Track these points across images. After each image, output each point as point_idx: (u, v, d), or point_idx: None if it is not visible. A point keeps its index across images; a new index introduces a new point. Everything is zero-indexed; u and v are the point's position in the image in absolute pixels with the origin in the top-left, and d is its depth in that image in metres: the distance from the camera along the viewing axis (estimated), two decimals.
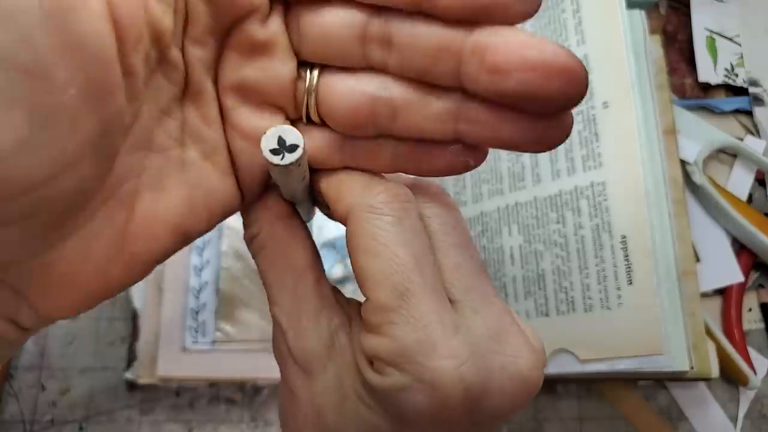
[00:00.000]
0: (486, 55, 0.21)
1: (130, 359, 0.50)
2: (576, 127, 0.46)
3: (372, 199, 0.24)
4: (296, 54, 0.24)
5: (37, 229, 0.20)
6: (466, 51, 0.22)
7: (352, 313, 0.26)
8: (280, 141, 0.22)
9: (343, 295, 0.27)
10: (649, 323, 0.42)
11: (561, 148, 0.47)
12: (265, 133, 0.22)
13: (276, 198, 0.27)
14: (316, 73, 0.25)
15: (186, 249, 0.49)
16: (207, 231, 0.26)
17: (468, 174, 0.52)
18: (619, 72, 0.46)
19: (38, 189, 0.19)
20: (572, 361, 0.44)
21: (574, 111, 0.46)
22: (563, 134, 0.23)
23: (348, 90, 0.24)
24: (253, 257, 0.27)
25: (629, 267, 0.43)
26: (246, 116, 0.25)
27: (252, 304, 0.51)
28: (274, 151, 0.22)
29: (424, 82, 0.23)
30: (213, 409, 0.52)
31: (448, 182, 0.54)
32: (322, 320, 0.26)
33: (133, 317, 0.51)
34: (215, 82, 0.25)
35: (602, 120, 0.46)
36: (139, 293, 0.51)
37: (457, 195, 0.53)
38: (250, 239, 0.27)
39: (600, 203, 0.45)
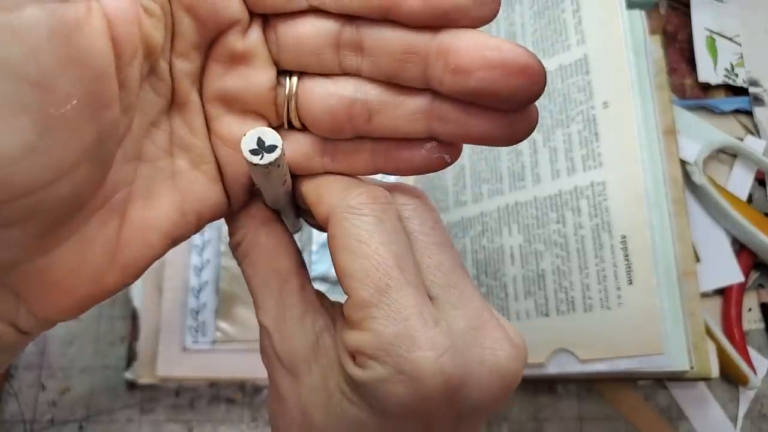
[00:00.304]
0: (449, 57, 0.23)
1: (130, 359, 0.50)
2: (576, 127, 0.46)
3: (352, 200, 0.24)
4: (276, 63, 0.26)
5: (35, 232, 0.21)
6: (432, 53, 0.23)
7: (336, 315, 0.27)
8: (260, 142, 0.23)
9: (328, 299, 0.28)
10: (648, 323, 0.42)
11: (561, 147, 0.47)
12: (244, 135, 0.23)
13: (259, 206, 0.28)
14: (294, 80, 0.26)
15: (186, 249, 0.49)
16: (194, 233, 0.27)
17: (468, 174, 0.52)
18: (619, 72, 0.46)
19: (38, 193, 0.20)
20: (572, 360, 0.44)
21: (574, 111, 0.46)
22: (529, 128, 0.24)
23: (325, 94, 0.26)
24: (239, 264, 0.28)
25: (629, 267, 0.43)
26: (229, 124, 0.26)
27: (251, 304, 0.51)
28: (253, 152, 0.23)
29: (396, 84, 0.25)
30: (213, 409, 0.52)
31: (448, 182, 0.54)
32: (307, 323, 0.26)
33: (133, 317, 0.51)
34: (200, 93, 0.26)
35: (602, 120, 0.46)
36: (139, 293, 0.51)
37: (457, 195, 0.53)
38: (235, 246, 0.28)
39: (600, 203, 0.45)
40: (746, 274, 0.57)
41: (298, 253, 0.28)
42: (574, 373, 0.45)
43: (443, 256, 0.26)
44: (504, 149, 0.50)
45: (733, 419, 0.55)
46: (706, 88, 0.63)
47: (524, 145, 0.49)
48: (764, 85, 0.62)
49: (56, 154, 0.20)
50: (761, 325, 0.57)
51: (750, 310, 0.58)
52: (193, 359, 0.50)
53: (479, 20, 0.23)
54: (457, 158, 0.27)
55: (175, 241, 0.26)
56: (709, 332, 0.51)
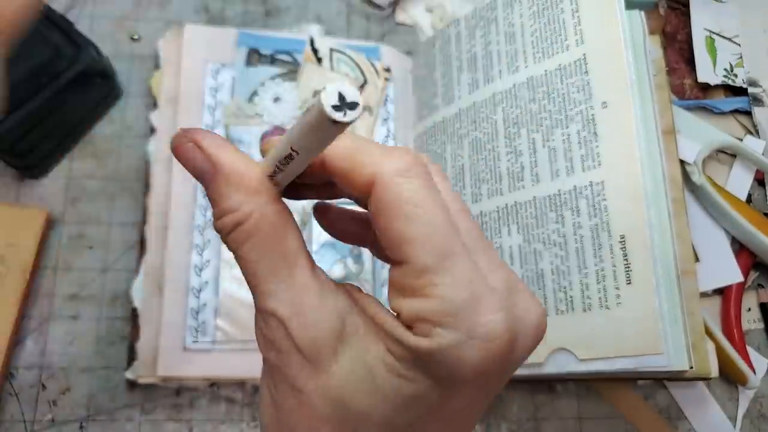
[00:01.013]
0: None
1: (131, 359, 0.50)
2: (575, 127, 0.47)
3: (398, 163, 0.24)
4: None
5: None
6: None
7: (353, 292, 0.26)
8: (341, 97, 0.21)
9: (337, 281, 0.27)
10: (647, 323, 0.42)
11: (560, 147, 0.47)
12: (324, 89, 0.21)
13: (263, 180, 0.25)
14: None
15: (186, 249, 0.49)
16: None
17: (467, 174, 0.52)
18: (618, 72, 0.46)
19: None
20: (571, 360, 0.45)
21: (573, 111, 0.46)
22: None
23: None
24: (235, 248, 0.25)
25: (628, 267, 0.43)
26: None
27: (252, 303, 0.51)
28: (336, 108, 0.21)
29: None
30: (213, 409, 0.52)
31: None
32: (328, 305, 0.25)
33: (134, 317, 0.51)
34: None
35: (601, 120, 0.46)
36: (139, 293, 0.51)
37: None
38: (232, 227, 0.25)
39: (599, 203, 0.45)
40: (745, 274, 0.57)
41: (301, 233, 0.26)
42: (573, 373, 0.45)
43: (470, 222, 0.25)
44: (503, 149, 0.50)
45: (733, 419, 0.55)
46: (706, 88, 0.63)
47: (524, 146, 0.49)
48: (763, 86, 0.62)
49: None
50: (760, 325, 0.57)
51: (749, 309, 0.58)
52: (193, 359, 0.50)
53: None
54: None
55: None
56: (709, 332, 0.51)
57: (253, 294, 0.25)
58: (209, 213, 0.53)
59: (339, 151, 0.25)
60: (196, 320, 0.51)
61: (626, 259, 0.43)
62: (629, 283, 0.43)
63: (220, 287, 0.51)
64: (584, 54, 0.48)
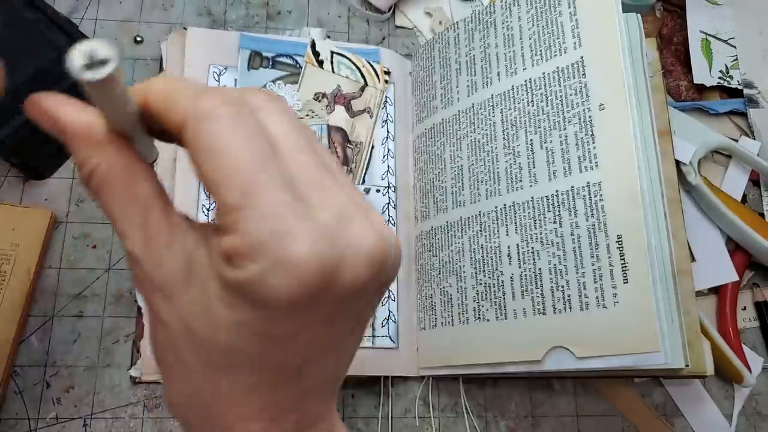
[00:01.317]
0: None
1: (134, 357, 0.51)
2: (572, 129, 0.47)
3: (205, 104, 0.24)
4: None
5: None
6: None
7: (209, 231, 0.27)
8: (92, 55, 0.21)
9: (195, 221, 0.28)
10: (644, 321, 0.43)
11: (558, 149, 0.48)
12: (72, 48, 0.21)
13: (107, 132, 0.26)
14: None
15: None
16: None
17: (466, 175, 0.53)
18: (615, 74, 0.47)
19: None
20: (569, 358, 0.45)
21: (571, 113, 0.47)
22: None
23: None
24: (94, 197, 0.27)
25: (625, 266, 0.44)
26: None
27: None
28: (86, 67, 0.21)
29: None
30: None
31: (447, 183, 0.54)
32: (176, 245, 0.26)
33: (137, 315, 0.52)
34: None
35: (598, 122, 0.46)
36: None
37: (456, 195, 0.54)
38: (86, 178, 0.27)
39: (596, 203, 0.45)
40: (741, 273, 0.57)
41: (155, 178, 0.27)
42: (570, 370, 0.46)
43: (306, 157, 0.26)
44: (501, 151, 0.51)
45: (728, 416, 0.55)
46: (701, 89, 0.63)
47: (522, 147, 0.50)
48: (758, 87, 0.62)
49: None
50: (755, 324, 0.58)
51: (744, 308, 0.58)
52: None
53: None
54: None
55: None
56: (704, 330, 0.51)
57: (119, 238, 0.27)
58: (212, 213, 0.53)
59: (156, 93, 0.26)
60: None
61: (623, 259, 0.44)
62: (626, 283, 0.44)
63: None
64: (582, 56, 0.48)
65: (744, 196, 0.60)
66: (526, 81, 0.51)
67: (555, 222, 0.47)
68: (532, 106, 0.50)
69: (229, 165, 0.23)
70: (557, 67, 0.49)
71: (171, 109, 0.25)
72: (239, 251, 0.23)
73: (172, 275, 0.26)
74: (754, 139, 0.61)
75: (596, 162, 0.46)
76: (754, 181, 0.61)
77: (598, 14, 0.48)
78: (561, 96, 0.48)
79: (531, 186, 0.49)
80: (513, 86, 0.52)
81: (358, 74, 0.59)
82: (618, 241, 0.44)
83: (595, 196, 0.45)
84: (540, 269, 0.47)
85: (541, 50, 0.51)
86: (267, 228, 0.23)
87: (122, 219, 0.26)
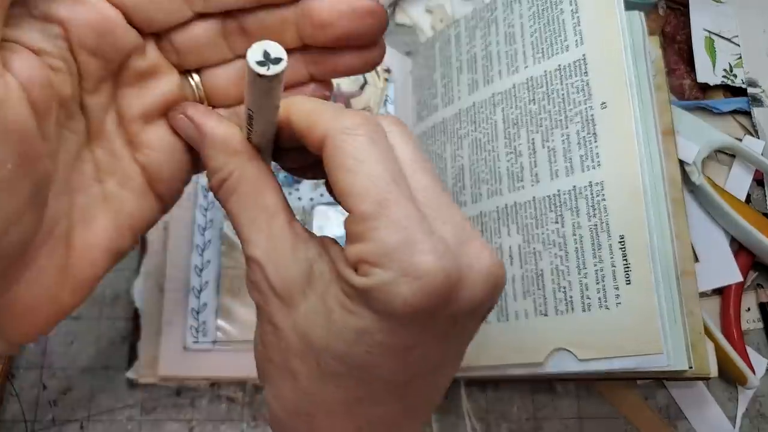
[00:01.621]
0: (313, 17, 0.29)
1: (132, 358, 0.51)
2: (574, 128, 0.47)
3: (346, 122, 0.26)
4: (178, 67, 0.31)
5: None
6: (299, 19, 0.30)
7: (327, 242, 0.29)
8: (265, 54, 0.23)
9: (314, 233, 0.30)
10: (647, 323, 0.42)
11: (560, 148, 0.47)
12: (249, 48, 0.23)
13: (243, 142, 0.29)
14: (196, 76, 0.32)
15: (187, 249, 0.49)
16: (135, 244, 0.31)
17: (467, 174, 0.53)
18: (617, 72, 0.46)
19: None
20: (571, 360, 0.45)
21: (573, 111, 0.46)
22: (381, 54, 0.31)
23: (225, 75, 0.32)
24: (223, 203, 0.30)
25: (627, 267, 0.43)
26: (154, 133, 0.30)
27: (252, 303, 0.51)
28: (260, 63, 0.23)
29: None
30: (214, 408, 0.52)
31: (448, 182, 0.54)
32: (299, 252, 0.28)
33: (135, 317, 0.52)
34: (120, 118, 0.30)
35: (600, 120, 0.46)
36: (140, 293, 0.51)
37: (457, 195, 0.53)
38: (218, 185, 0.29)
39: (598, 203, 0.45)
40: (745, 274, 0.57)
41: (281, 189, 0.30)
42: (573, 373, 0.45)
43: (427, 178, 0.27)
44: (503, 150, 0.50)
45: (732, 418, 0.55)
46: (705, 88, 0.63)
47: (523, 146, 0.49)
48: (763, 86, 0.62)
49: (2, 212, 0.23)
50: (760, 325, 0.57)
51: (749, 309, 0.58)
52: (194, 359, 0.50)
53: None
54: (332, 89, 0.33)
55: (118, 255, 0.30)
56: (708, 332, 0.51)
57: (240, 242, 0.29)
58: (210, 213, 0.53)
59: (299, 113, 0.28)
60: (197, 320, 0.51)
61: (625, 260, 0.43)
62: (629, 284, 0.43)
63: (220, 287, 0.52)
64: (584, 54, 0.48)
65: (748, 196, 0.59)
66: (527, 79, 0.50)
67: (557, 222, 0.47)
68: (534, 104, 0.49)
69: (366, 177, 0.25)
70: (559, 65, 0.49)
71: (314, 124, 0.27)
72: (369, 259, 0.25)
73: (293, 281, 0.28)
74: (759, 138, 0.61)
75: (598, 161, 0.45)
76: (759, 180, 0.60)
77: (600, 12, 0.48)
78: (563, 94, 0.48)
79: (533, 185, 0.48)
80: (514, 84, 0.51)
81: None
82: (621, 242, 0.44)
83: (598, 195, 0.45)
84: (542, 270, 0.47)
85: (542, 48, 0.50)
86: (397, 239, 0.24)
87: (249, 225, 0.29)
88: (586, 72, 0.47)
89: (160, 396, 0.52)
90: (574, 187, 0.46)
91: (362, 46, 0.30)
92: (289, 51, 0.25)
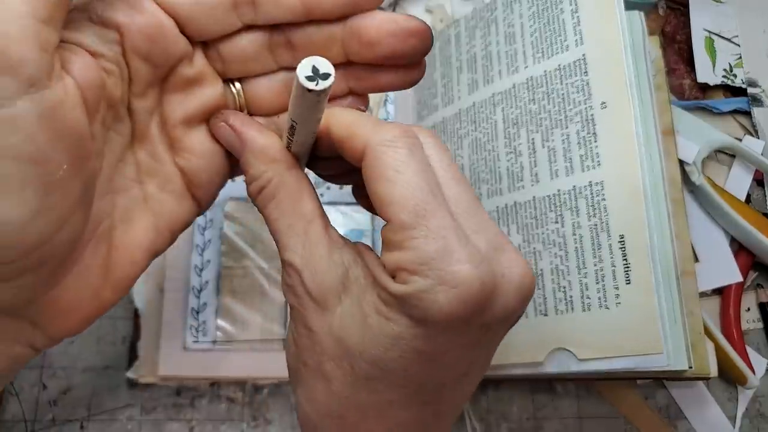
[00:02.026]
0: (361, 35, 0.30)
1: (132, 358, 0.51)
2: (574, 128, 0.47)
3: (386, 134, 0.27)
4: (222, 75, 0.32)
5: (46, 274, 0.26)
6: (346, 36, 0.30)
7: (362, 249, 0.30)
8: (314, 69, 0.24)
9: (348, 240, 0.31)
10: (647, 322, 0.42)
11: (560, 148, 0.47)
12: (300, 63, 0.25)
13: (283, 150, 0.31)
14: (238, 84, 0.32)
15: (187, 249, 0.49)
16: (171, 244, 0.32)
17: (467, 174, 0.53)
18: (617, 72, 0.46)
19: (45, 244, 0.24)
20: (571, 359, 0.45)
21: (573, 111, 0.46)
22: (421, 74, 0.32)
23: (267, 85, 0.32)
24: (261, 209, 0.31)
25: (627, 267, 0.43)
26: (196, 138, 0.31)
27: (252, 303, 0.52)
28: (309, 78, 0.24)
29: None
30: (214, 408, 0.52)
31: None
32: (335, 258, 0.29)
33: (135, 317, 0.52)
34: (163, 122, 0.31)
35: (600, 120, 0.46)
36: (140, 293, 0.51)
37: None
38: (257, 191, 0.31)
39: (598, 203, 0.45)
40: (745, 274, 0.57)
41: (318, 198, 0.31)
42: (573, 372, 0.45)
43: (461, 188, 0.28)
44: (502, 150, 0.50)
45: (732, 418, 0.55)
46: (705, 88, 0.63)
47: (523, 146, 0.49)
48: (763, 86, 0.62)
49: (56, 212, 0.24)
50: (760, 325, 0.58)
51: (749, 309, 0.58)
52: (194, 359, 0.50)
53: (373, 5, 0.30)
54: (368, 103, 0.34)
55: (155, 254, 0.31)
56: (708, 332, 0.51)
57: (277, 247, 0.30)
58: (210, 213, 0.53)
59: (340, 124, 0.29)
60: (197, 320, 0.51)
61: (625, 259, 0.43)
62: (628, 283, 0.43)
63: (220, 287, 0.52)
64: (584, 54, 0.48)
65: (748, 196, 0.60)
66: (527, 79, 0.50)
67: (557, 222, 0.47)
68: (534, 104, 0.49)
69: (405, 188, 0.26)
70: (559, 65, 0.49)
71: (354, 135, 0.28)
72: (407, 267, 0.26)
73: (329, 286, 0.29)
74: (759, 138, 0.61)
75: (598, 161, 0.45)
76: (759, 180, 0.60)
77: (600, 12, 0.48)
78: (563, 94, 0.48)
79: (533, 185, 0.48)
80: (514, 84, 0.51)
81: None
82: (620, 241, 0.44)
83: (598, 195, 0.45)
84: (542, 270, 0.47)
85: (542, 48, 0.50)
86: (435, 248, 0.25)
87: (286, 231, 0.30)
88: (586, 72, 0.47)
89: (160, 396, 0.52)
90: (574, 186, 0.46)
91: (406, 65, 0.31)
92: (334, 66, 0.26)
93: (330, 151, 0.30)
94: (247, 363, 0.50)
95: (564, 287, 0.46)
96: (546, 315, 0.46)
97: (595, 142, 0.46)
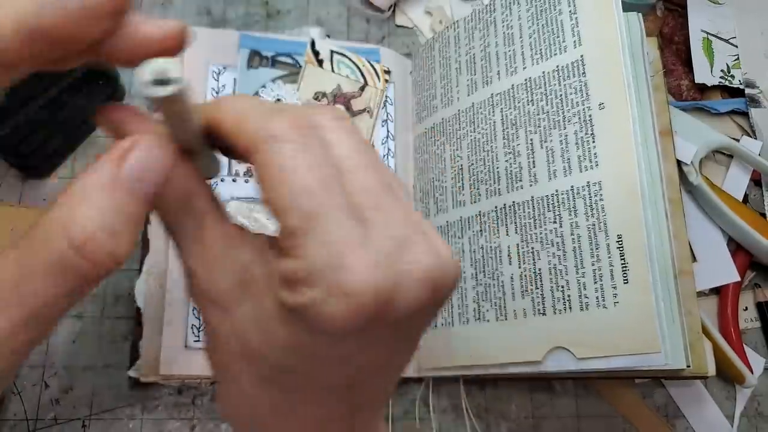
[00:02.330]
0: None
1: (133, 357, 0.51)
2: (572, 128, 0.47)
3: (273, 128, 0.25)
4: None
5: None
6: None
7: (265, 242, 0.28)
8: (159, 74, 0.22)
9: (251, 233, 0.29)
10: (644, 322, 0.43)
11: (558, 148, 0.48)
12: (139, 66, 0.22)
13: (163, 146, 0.26)
14: None
15: None
16: None
17: (466, 175, 0.53)
18: (615, 74, 0.46)
19: None
20: (569, 359, 0.45)
21: (571, 112, 0.47)
22: None
23: None
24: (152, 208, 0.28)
25: (625, 266, 0.44)
26: None
27: None
28: (154, 83, 0.22)
29: None
30: (215, 407, 0.52)
31: (447, 183, 0.54)
32: (230, 259, 0.27)
33: (137, 316, 0.52)
34: None
35: (599, 121, 0.46)
36: (141, 292, 0.51)
37: (456, 195, 0.53)
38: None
39: (596, 203, 0.45)
40: (742, 274, 0.57)
41: (211, 193, 0.28)
42: (571, 371, 0.45)
43: (370, 178, 0.26)
44: (501, 150, 0.51)
45: (730, 417, 0.55)
46: (703, 89, 0.63)
47: (522, 146, 0.50)
48: (760, 87, 0.62)
49: None
50: (757, 324, 0.58)
51: (746, 309, 0.58)
52: (195, 357, 0.50)
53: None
54: None
55: None
56: (706, 331, 0.51)
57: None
58: None
59: (227, 118, 0.26)
60: (198, 319, 0.51)
61: (623, 259, 0.44)
62: (626, 283, 0.44)
63: None
64: (582, 55, 0.48)
65: (745, 196, 0.60)
66: (525, 80, 0.51)
67: (555, 222, 0.47)
68: (532, 105, 0.50)
69: (293, 190, 0.24)
70: (557, 66, 0.49)
71: (241, 131, 0.26)
72: (297, 276, 0.24)
73: (226, 288, 0.27)
74: (756, 138, 0.61)
75: (596, 161, 0.46)
76: (756, 180, 0.60)
77: (599, 13, 0.48)
78: (561, 95, 0.48)
79: (531, 186, 0.49)
80: (513, 85, 0.51)
81: (358, 74, 0.58)
82: (618, 241, 0.44)
83: (595, 195, 0.45)
84: (540, 269, 0.47)
85: (541, 49, 0.50)
86: (324, 256, 0.23)
87: (177, 232, 0.27)
88: (584, 73, 0.48)
89: (162, 395, 0.52)
90: (572, 187, 0.46)
91: None
92: None
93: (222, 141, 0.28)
94: None
95: (562, 287, 0.46)
96: (544, 314, 0.46)
97: (593, 142, 0.46)
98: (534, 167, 0.49)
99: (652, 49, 0.56)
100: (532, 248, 0.48)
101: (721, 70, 0.62)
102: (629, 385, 0.55)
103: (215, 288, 0.27)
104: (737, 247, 0.58)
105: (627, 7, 0.48)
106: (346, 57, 0.59)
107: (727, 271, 0.57)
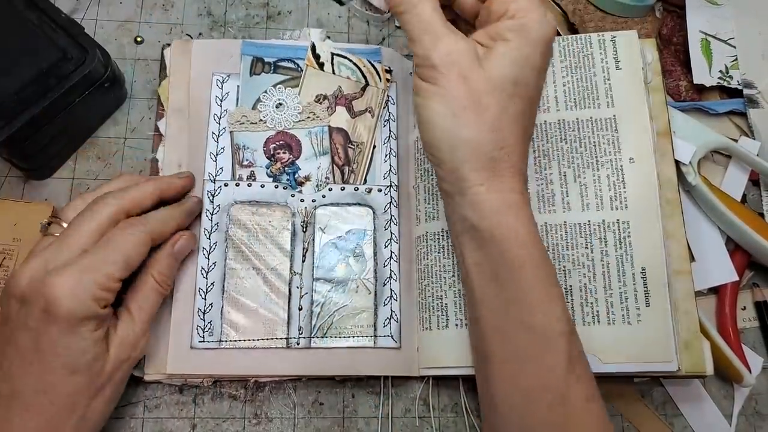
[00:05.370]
0: None
1: None
2: (605, 172, 0.52)
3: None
4: None
5: None
6: None
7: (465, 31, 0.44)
8: None
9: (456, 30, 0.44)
10: (663, 339, 0.49)
11: (591, 185, 0.53)
12: None
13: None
14: None
15: (194, 252, 0.50)
16: None
17: None
18: (644, 138, 0.53)
19: None
20: (594, 361, 0.49)
21: (604, 158, 0.53)
22: None
23: None
24: (400, 20, 0.44)
25: (647, 293, 0.49)
26: None
27: (256, 304, 0.52)
28: None
29: None
30: (216, 406, 0.52)
31: None
32: (455, 39, 0.42)
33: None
34: None
35: (629, 172, 0.52)
36: None
37: None
38: (398, 2, 0.44)
39: (624, 239, 0.50)
40: (740, 273, 0.58)
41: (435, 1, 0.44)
42: (595, 373, 0.47)
43: None
44: (532, 175, 0.53)
45: (728, 416, 0.56)
46: (701, 89, 0.63)
47: (555, 176, 0.53)
48: (758, 87, 0.63)
49: None
50: (755, 324, 0.58)
51: (744, 308, 0.58)
52: (200, 357, 0.51)
53: None
54: None
55: None
56: (704, 331, 0.52)
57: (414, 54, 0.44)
58: (215, 217, 0.53)
59: None
60: (203, 320, 0.51)
61: (646, 287, 0.49)
62: (648, 306, 0.49)
63: (225, 288, 0.52)
64: (614, 115, 0.53)
65: (744, 196, 0.60)
66: (558, 120, 0.55)
67: (586, 247, 0.51)
68: (565, 143, 0.54)
69: None
70: (591, 117, 0.54)
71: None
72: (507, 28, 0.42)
73: (460, 56, 0.42)
74: (754, 139, 0.61)
75: (626, 204, 0.51)
76: (754, 181, 0.61)
77: (630, 89, 0.55)
78: (594, 142, 0.53)
79: (564, 212, 0.52)
80: (545, 121, 0.55)
81: (359, 74, 0.59)
82: (642, 273, 0.50)
83: (624, 232, 0.50)
84: (571, 285, 0.51)
85: (575, 99, 0.55)
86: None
87: (413, 30, 0.43)
88: (616, 129, 0.53)
89: (164, 394, 0.52)
90: (603, 220, 0.51)
91: None
92: None
93: None
94: (251, 361, 0.51)
95: (591, 303, 0.50)
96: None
97: (624, 188, 0.51)
98: (567, 196, 0.52)
99: (651, 50, 0.56)
100: (564, 266, 0.51)
101: (720, 71, 0.63)
102: (628, 384, 0.55)
103: (450, 58, 0.42)
104: (735, 247, 0.58)
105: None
106: (347, 58, 0.59)
107: (725, 271, 0.57)
